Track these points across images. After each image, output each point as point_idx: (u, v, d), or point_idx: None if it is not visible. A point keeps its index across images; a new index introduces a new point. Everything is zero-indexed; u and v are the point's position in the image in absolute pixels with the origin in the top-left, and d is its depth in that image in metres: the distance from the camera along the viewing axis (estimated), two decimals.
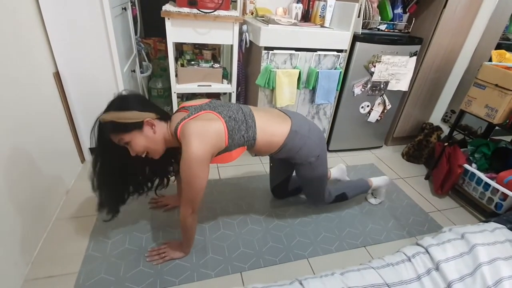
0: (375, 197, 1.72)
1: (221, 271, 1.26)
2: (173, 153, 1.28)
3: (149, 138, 1.08)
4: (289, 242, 1.44)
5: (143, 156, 1.12)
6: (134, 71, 2.13)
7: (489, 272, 0.90)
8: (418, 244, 1.05)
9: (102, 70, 1.63)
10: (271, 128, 1.22)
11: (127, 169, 1.20)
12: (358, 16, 1.85)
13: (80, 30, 1.51)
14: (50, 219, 1.42)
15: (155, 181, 1.36)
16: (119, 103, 1.05)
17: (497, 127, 1.66)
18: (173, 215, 1.52)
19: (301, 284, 0.85)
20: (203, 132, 1.04)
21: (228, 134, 1.11)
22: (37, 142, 1.35)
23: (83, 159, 1.87)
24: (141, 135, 1.06)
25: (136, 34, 2.30)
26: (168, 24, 1.67)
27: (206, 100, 1.21)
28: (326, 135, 2.24)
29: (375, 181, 1.65)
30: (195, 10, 1.68)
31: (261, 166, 2.03)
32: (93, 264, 1.23)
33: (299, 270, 1.31)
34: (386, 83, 2.06)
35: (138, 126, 1.05)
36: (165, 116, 1.14)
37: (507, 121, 1.58)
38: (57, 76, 1.56)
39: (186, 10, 1.68)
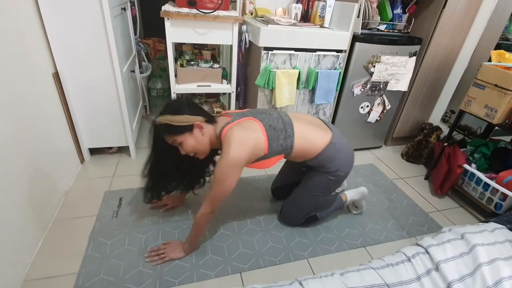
0: (356, 207, 1.69)
1: (221, 272, 1.26)
2: (214, 154, 1.37)
3: (197, 139, 1.18)
4: (288, 243, 1.44)
5: (191, 155, 1.23)
6: (133, 71, 2.13)
7: (489, 272, 0.90)
8: (418, 245, 1.04)
9: (101, 70, 1.63)
10: (310, 137, 1.27)
11: (175, 166, 1.32)
12: (358, 16, 1.85)
13: (80, 31, 1.51)
14: (49, 220, 1.42)
15: (195, 179, 1.47)
16: (173, 107, 1.16)
17: (496, 127, 1.66)
18: (172, 216, 1.52)
19: (300, 284, 0.85)
20: (244, 140, 1.13)
21: (268, 143, 1.19)
22: (36, 142, 1.34)
23: (82, 160, 1.87)
24: (191, 137, 1.17)
25: (135, 34, 2.30)
26: (167, 24, 1.67)
27: (244, 110, 1.31)
28: None
29: (350, 195, 1.59)
30: (194, 10, 1.68)
31: None
32: (92, 264, 1.23)
33: (298, 270, 1.31)
34: (386, 83, 2.07)
35: (189, 128, 1.15)
36: (211, 119, 1.23)
37: (507, 121, 1.58)
38: (57, 76, 1.56)
39: (185, 10, 1.67)
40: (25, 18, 1.33)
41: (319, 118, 1.42)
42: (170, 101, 1.21)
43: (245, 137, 1.14)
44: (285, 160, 1.62)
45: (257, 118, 1.22)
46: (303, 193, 1.44)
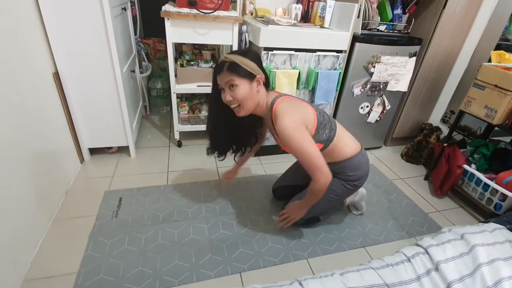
0: (356, 208, 1.69)
1: (221, 272, 1.26)
2: (257, 121, 1.38)
3: (251, 92, 1.16)
4: (288, 243, 1.44)
5: (232, 107, 1.19)
6: (133, 71, 2.13)
7: (489, 272, 0.90)
8: (417, 245, 1.04)
9: (101, 70, 1.63)
10: (346, 139, 1.31)
11: (227, 116, 1.27)
12: (358, 17, 1.85)
13: (80, 30, 1.51)
14: (49, 219, 1.42)
15: (249, 140, 1.45)
16: (244, 52, 1.17)
17: (496, 128, 1.66)
18: (172, 216, 1.52)
19: (300, 284, 0.85)
20: (297, 112, 1.15)
21: (317, 124, 1.20)
22: (36, 142, 1.35)
23: (82, 160, 1.87)
24: (248, 86, 1.14)
25: (135, 34, 2.30)
26: (167, 24, 1.67)
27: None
28: None
29: (349, 197, 1.58)
30: (194, 11, 1.68)
31: (261, 167, 2.03)
32: (92, 264, 1.23)
33: (298, 270, 1.31)
34: (386, 83, 2.07)
35: (251, 77, 1.14)
36: (268, 84, 1.23)
37: (507, 121, 1.58)
38: (57, 76, 1.56)
39: (185, 10, 1.68)
40: (26, 18, 1.33)
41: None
42: (241, 48, 1.21)
43: (298, 109, 1.16)
44: (296, 160, 1.61)
45: (307, 102, 1.25)
46: (338, 191, 1.40)
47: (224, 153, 1.43)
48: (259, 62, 1.18)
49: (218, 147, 1.41)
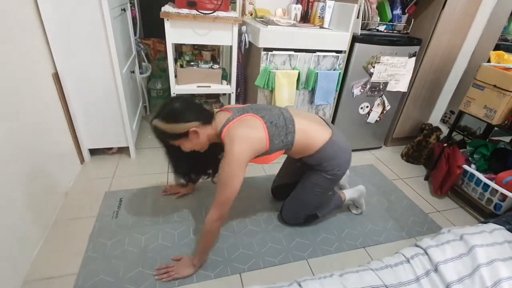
0: (356, 206, 1.69)
1: (221, 272, 1.26)
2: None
3: (194, 142, 1.20)
4: (288, 243, 1.44)
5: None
6: (133, 72, 2.13)
7: (488, 273, 0.90)
8: (417, 245, 1.05)
9: (101, 70, 1.63)
10: (310, 133, 1.28)
11: (185, 157, 1.32)
12: (357, 17, 1.85)
13: (79, 31, 1.51)
14: (49, 220, 1.42)
15: (206, 166, 1.50)
16: (167, 115, 1.14)
17: (496, 128, 1.66)
18: (172, 217, 1.53)
19: (299, 285, 0.85)
20: (247, 139, 1.14)
21: (269, 139, 1.19)
22: (36, 143, 1.35)
23: (82, 160, 1.87)
24: (187, 141, 1.18)
25: (135, 34, 2.30)
26: (167, 25, 1.67)
27: (245, 105, 1.30)
28: None
29: (348, 194, 1.59)
30: (194, 11, 1.68)
31: (260, 167, 2.04)
32: (92, 265, 1.23)
33: (298, 271, 1.31)
34: (385, 84, 2.07)
35: (184, 135, 1.16)
36: (208, 120, 1.21)
37: (506, 121, 1.58)
38: (56, 76, 1.56)
39: (185, 11, 1.68)
40: (25, 18, 1.33)
41: (320, 116, 1.43)
42: (166, 105, 1.16)
43: (246, 135, 1.14)
44: (286, 157, 1.62)
45: (258, 115, 1.22)
46: (302, 193, 1.44)
47: (194, 179, 1.53)
48: (186, 113, 1.15)
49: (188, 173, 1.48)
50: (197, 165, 1.45)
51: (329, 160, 1.31)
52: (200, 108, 1.23)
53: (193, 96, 2.20)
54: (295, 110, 1.35)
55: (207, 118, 1.21)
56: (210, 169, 1.52)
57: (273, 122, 1.21)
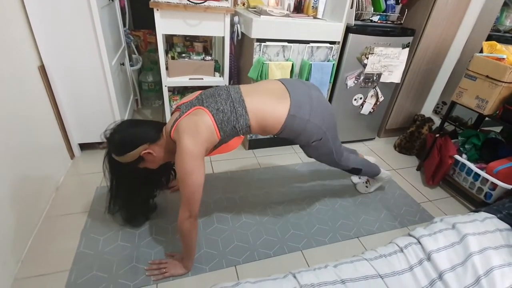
0: (366, 186, 1.70)
1: (216, 265, 1.26)
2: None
3: (150, 161, 1.18)
4: (283, 235, 1.44)
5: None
6: (123, 64, 2.08)
7: (480, 261, 0.91)
8: (410, 235, 1.06)
9: (89, 63, 1.59)
10: (266, 112, 1.15)
11: (140, 181, 1.31)
12: (351, 7, 1.83)
13: (65, 22, 1.46)
14: (40, 217, 1.39)
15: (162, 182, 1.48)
16: (115, 149, 1.14)
17: (487, 118, 1.68)
18: (165, 212, 1.51)
19: (294, 277, 0.85)
20: (194, 128, 1.06)
21: (218, 127, 1.10)
22: (24, 138, 1.31)
23: (72, 155, 1.83)
24: (143, 163, 1.18)
25: (124, 26, 2.24)
26: (157, 15, 1.63)
27: (197, 93, 1.20)
28: None
29: (382, 173, 1.69)
30: (184, 1, 1.64)
31: (255, 159, 2.03)
32: (85, 261, 1.21)
33: (293, 262, 1.32)
34: (379, 75, 2.06)
35: (138, 160, 1.15)
36: (157, 135, 1.17)
37: (497, 112, 1.60)
38: (42, 69, 1.51)
39: (175, 0, 1.63)
40: (8, 8, 1.27)
41: (281, 81, 1.26)
42: (112, 139, 1.14)
43: (194, 125, 1.07)
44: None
45: (203, 105, 1.12)
46: (310, 153, 1.40)
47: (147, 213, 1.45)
48: (133, 139, 1.12)
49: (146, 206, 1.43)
50: (156, 183, 1.43)
51: (300, 135, 1.22)
52: (143, 128, 1.17)
53: (185, 88, 2.16)
54: (251, 86, 1.23)
55: (153, 135, 1.16)
56: (163, 177, 1.46)
57: (219, 109, 1.11)
